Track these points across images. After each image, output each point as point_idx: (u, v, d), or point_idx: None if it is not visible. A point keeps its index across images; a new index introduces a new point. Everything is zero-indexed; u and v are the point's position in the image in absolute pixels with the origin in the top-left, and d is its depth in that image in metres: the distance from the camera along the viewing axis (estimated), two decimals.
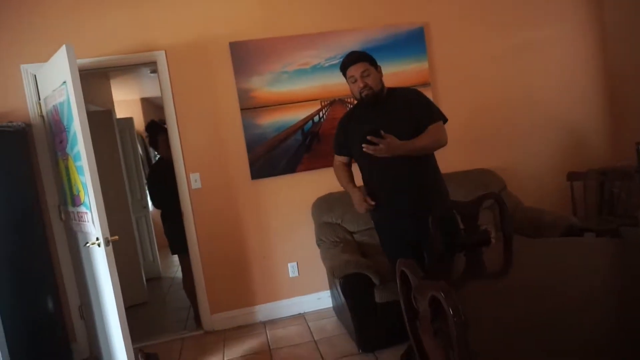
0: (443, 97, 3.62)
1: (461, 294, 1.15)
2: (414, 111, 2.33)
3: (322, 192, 3.43)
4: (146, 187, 4.57)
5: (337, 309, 3.33)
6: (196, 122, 3.35)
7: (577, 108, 3.97)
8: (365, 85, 2.30)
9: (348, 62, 2.35)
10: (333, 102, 3.51)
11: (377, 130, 2.16)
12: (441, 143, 2.33)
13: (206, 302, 3.41)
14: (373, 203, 2.35)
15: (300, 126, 3.46)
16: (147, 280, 4.65)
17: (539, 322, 1.43)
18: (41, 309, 2.98)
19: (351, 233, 3.31)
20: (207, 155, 3.37)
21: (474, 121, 3.74)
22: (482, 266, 2.17)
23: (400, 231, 2.39)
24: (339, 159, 2.61)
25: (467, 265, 2.19)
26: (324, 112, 3.50)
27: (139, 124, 6.59)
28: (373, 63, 2.35)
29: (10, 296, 2.57)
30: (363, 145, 2.19)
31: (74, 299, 3.23)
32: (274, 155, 3.44)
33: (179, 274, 5.40)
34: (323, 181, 3.47)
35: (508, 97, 3.82)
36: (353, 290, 2.74)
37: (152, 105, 7.56)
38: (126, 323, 2.61)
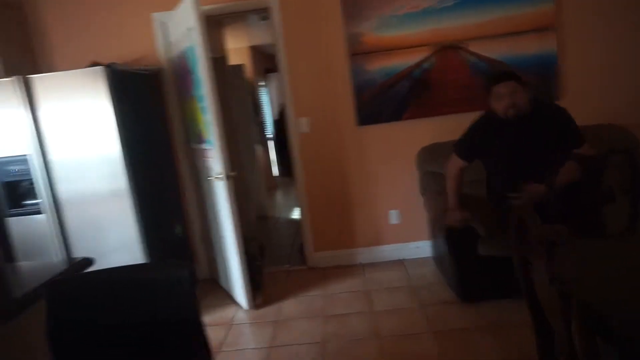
0: (572, 41, 3.28)
1: (580, 249, 1.10)
2: (560, 135, 2.40)
3: (428, 141, 3.37)
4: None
5: (437, 258, 3.35)
6: (306, 67, 3.43)
7: None
8: (514, 104, 2.34)
9: (497, 78, 2.43)
10: (444, 48, 3.36)
11: (518, 185, 2.33)
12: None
13: (310, 240, 3.64)
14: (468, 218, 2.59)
15: (409, 72, 3.38)
16: (255, 217, 5.04)
17: None
18: (173, 232, 3.41)
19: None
20: (315, 101, 3.46)
21: (606, 70, 3.34)
22: (603, 225, 2.04)
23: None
24: (458, 163, 2.63)
25: (586, 223, 2.06)
26: (434, 58, 3.37)
27: (248, 70, 6.89)
28: (521, 83, 2.39)
29: (150, 219, 2.97)
30: (509, 196, 2.36)
31: (197, 226, 3.64)
32: (380, 102, 3.43)
33: (284, 213, 5.78)
34: (429, 130, 3.41)
35: None
36: (457, 240, 2.73)
37: (259, 53, 7.82)
38: (243, 249, 2.90)
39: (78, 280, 1.42)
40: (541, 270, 1.34)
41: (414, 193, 3.46)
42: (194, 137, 3.26)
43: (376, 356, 2.35)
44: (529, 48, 3.30)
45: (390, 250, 3.61)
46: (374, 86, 3.41)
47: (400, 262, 3.55)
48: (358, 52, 3.38)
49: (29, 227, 2.87)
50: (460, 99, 3.38)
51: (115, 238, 2.83)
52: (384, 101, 3.43)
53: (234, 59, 6.49)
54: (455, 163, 2.66)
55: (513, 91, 2.36)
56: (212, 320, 2.93)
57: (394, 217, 3.58)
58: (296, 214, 5.11)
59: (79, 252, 2.84)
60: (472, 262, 2.72)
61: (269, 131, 8.10)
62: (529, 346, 2.14)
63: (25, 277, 1.59)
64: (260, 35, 6.37)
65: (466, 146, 2.64)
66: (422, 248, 3.57)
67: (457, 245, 2.74)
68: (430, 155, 3.32)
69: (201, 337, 1.31)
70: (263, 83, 8.18)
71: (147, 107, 3.31)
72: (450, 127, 3.35)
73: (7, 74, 3.07)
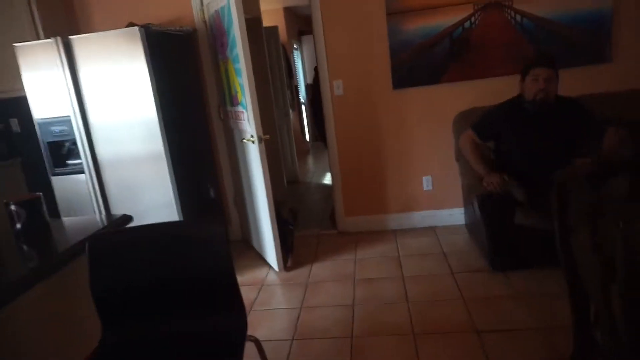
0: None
1: (629, 217, 1.05)
2: (580, 127, 2.54)
3: (465, 105, 3.26)
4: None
5: (469, 226, 3.30)
6: (341, 28, 3.34)
7: None
8: (544, 89, 2.47)
9: (539, 61, 2.56)
10: (487, 6, 3.18)
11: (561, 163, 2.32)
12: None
13: (342, 205, 3.64)
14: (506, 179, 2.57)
15: (449, 32, 3.23)
16: (286, 182, 5.07)
17: None
18: (207, 194, 3.48)
19: (493, 151, 3.14)
20: (350, 63, 3.38)
21: None
22: None
23: None
24: (473, 136, 2.76)
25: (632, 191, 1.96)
26: (476, 17, 3.20)
27: (282, 33, 6.79)
28: (557, 73, 2.53)
29: (185, 181, 3.04)
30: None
31: (229, 188, 3.70)
32: (417, 64, 3.31)
33: (315, 178, 5.80)
34: (467, 94, 3.29)
35: None
36: (491, 208, 2.67)
37: (294, 15, 7.67)
38: (274, 209, 2.94)
39: (118, 235, 1.48)
40: (582, 238, 1.30)
41: (448, 159, 3.38)
42: (229, 99, 3.26)
43: (405, 320, 2.36)
44: (582, 4, 3.08)
45: (423, 217, 3.58)
46: (412, 47, 3.29)
47: (432, 229, 3.52)
48: (396, 11, 3.25)
49: (71, 186, 3.00)
50: (503, 61, 3.23)
51: (151, 198, 2.92)
52: (421, 63, 3.31)
53: (268, 21, 6.40)
54: (468, 137, 2.80)
55: (549, 78, 2.48)
56: (245, 281, 3.02)
57: (427, 183, 3.52)
58: (327, 179, 5.12)
59: (117, 211, 2.95)
60: (505, 231, 2.66)
61: (302, 95, 8.04)
62: (563, 316, 2.11)
63: (68, 232, 1.66)
64: None
65: (485, 125, 2.77)
66: (455, 215, 3.52)
67: (490, 212, 2.68)
68: (468, 121, 3.21)
69: (235, 292, 1.34)
70: (296, 46, 8.06)
71: (182, 68, 3.32)
72: (491, 90, 3.24)
73: (47, 35, 3.14)
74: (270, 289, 2.90)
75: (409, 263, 3.02)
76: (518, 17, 3.17)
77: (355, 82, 3.41)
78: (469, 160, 2.81)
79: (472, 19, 3.21)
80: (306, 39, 8.26)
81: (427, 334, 2.23)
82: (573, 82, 3.17)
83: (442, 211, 3.55)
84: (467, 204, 3.30)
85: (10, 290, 1.21)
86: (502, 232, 2.68)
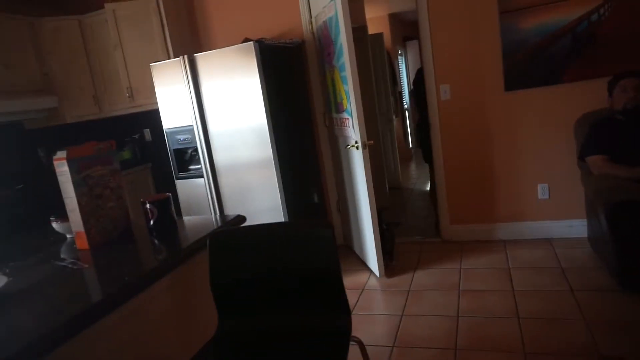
0: None
1: None
2: None
3: (590, 106, 2.97)
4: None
5: (593, 239, 2.98)
6: (449, 31, 3.25)
7: None
8: (634, 96, 2.56)
9: (624, 75, 2.63)
10: None
11: None
12: None
13: (447, 212, 3.52)
14: None
15: (572, 27, 2.97)
16: (388, 188, 5.04)
17: None
18: (311, 199, 3.61)
19: None
20: (458, 66, 3.27)
21: None
22: None
23: None
24: (602, 157, 2.67)
25: None
26: (606, 7, 2.90)
27: (387, 39, 6.79)
28: None
29: (292, 186, 3.18)
30: None
31: (333, 194, 3.79)
32: (533, 64, 3.10)
33: (417, 185, 5.69)
34: (592, 94, 2.99)
35: None
36: (622, 218, 2.38)
37: (399, 21, 7.63)
38: (376, 215, 2.95)
39: (235, 233, 1.60)
40: None
41: (567, 166, 3.10)
42: (334, 106, 3.35)
43: (516, 336, 2.21)
44: None
45: (536, 227, 3.31)
46: (527, 46, 3.09)
47: (548, 241, 3.24)
48: (509, 10, 3.08)
49: (192, 189, 3.32)
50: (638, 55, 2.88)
51: (261, 201, 3.11)
52: (538, 63, 3.09)
53: (373, 28, 6.45)
54: (596, 162, 2.68)
55: (637, 87, 2.57)
56: (345, 285, 3.06)
57: (542, 191, 3.26)
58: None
59: (230, 212, 3.19)
60: (638, 245, 2.35)
61: (406, 101, 7.94)
62: None
63: (189, 229, 1.84)
64: (400, 1, 6.20)
65: (593, 144, 2.72)
66: (575, 227, 3.20)
67: (621, 224, 2.39)
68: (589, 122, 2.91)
69: (340, 293, 1.38)
70: (401, 52, 8.00)
71: (291, 78, 3.49)
72: None
73: (176, 54, 3.53)
74: (370, 294, 2.91)
75: (521, 276, 2.82)
76: None
77: (463, 86, 3.29)
78: (621, 174, 2.56)
79: (601, 10, 2.91)
80: (411, 44, 8.16)
81: (540, 354, 2.06)
82: None
83: (560, 222, 3.25)
84: (590, 215, 2.98)
85: (145, 279, 1.38)
86: (635, 247, 2.38)
